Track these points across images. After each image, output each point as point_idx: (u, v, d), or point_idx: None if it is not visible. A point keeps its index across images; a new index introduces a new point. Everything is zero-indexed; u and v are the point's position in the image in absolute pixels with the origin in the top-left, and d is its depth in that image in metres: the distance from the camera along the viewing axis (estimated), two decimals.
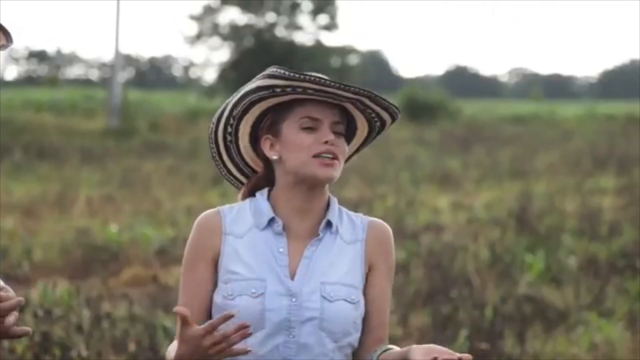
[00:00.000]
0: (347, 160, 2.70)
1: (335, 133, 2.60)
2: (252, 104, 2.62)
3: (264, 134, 2.64)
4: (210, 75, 38.32)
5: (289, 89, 2.56)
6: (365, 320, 2.62)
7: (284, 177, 2.61)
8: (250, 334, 2.40)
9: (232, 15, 37.25)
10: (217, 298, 2.58)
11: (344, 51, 38.69)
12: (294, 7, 36.97)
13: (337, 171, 2.58)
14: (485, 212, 12.19)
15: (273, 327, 2.54)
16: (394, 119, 2.67)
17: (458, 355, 2.41)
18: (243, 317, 2.50)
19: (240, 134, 2.68)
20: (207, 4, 37.55)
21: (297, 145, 2.58)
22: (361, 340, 2.63)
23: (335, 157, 2.58)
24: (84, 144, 21.64)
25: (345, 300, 2.57)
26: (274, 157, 2.62)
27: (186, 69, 40.26)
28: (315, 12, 37.18)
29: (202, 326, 2.39)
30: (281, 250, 2.59)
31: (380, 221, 2.69)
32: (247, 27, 36.75)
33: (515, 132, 28.29)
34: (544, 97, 49.78)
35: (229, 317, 2.39)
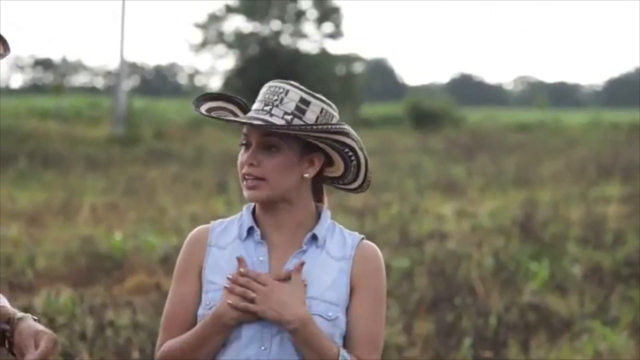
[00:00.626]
0: (351, 172, 2.64)
1: (266, 149, 2.54)
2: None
3: None
4: (215, 83, 38.40)
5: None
6: (349, 341, 2.57)
7: None
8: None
9: (237, 23, 37.34)
10: (200, 309, 2.58)
11: (349, 59, 38.72)
12: (299, 15, 37.02)
13: (260, 192, 2.54)
14: (490, 220, 12.17)
15: (247, 338, 2.53)
16: (343, 134, 2.54)
17: None
18: None
19: None
20: (212, 12, 37.64)
21: (238, 164, 2.61)
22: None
23: (258, 178, 2.54)
24: (89, 151, 21.66)
25: (321, 316, 2.52)
26: None
27: (191, 76, 40.27)
28: (320, 20, 37.23)
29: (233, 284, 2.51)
30: (261, 258, 2.57)
31: (372, 244, 2.64)
32: (252, 35, 36.80)
33: (520, 140, 28.28)
34: (549, 105, 49.80)
35: (290, 275, 2.51)
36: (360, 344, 2.56)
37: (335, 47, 51.94)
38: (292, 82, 2.59)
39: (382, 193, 14.91)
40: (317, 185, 2.67)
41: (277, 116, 2.53)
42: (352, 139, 2.58)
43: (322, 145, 2.58)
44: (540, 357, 6.68)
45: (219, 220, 2.67)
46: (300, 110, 2.53)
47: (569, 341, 7.04)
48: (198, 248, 2.62)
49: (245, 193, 2.56)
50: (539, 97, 52.57)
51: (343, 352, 2.53)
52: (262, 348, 2.53)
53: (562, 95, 78.98)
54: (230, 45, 37.04)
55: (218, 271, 2.58)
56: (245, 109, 2.66)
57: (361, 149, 2.60)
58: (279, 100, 2.55)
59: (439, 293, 8.11)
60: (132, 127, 26.56)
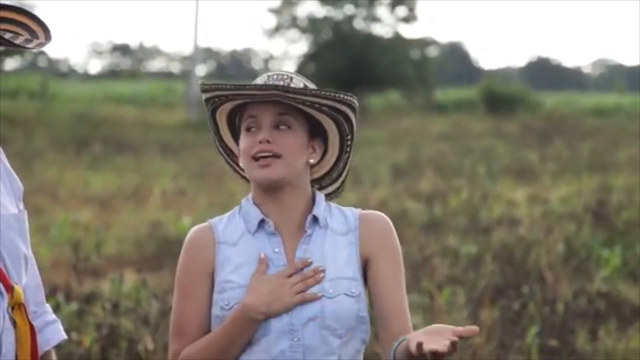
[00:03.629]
0: (339, 167, 2.63)
1: (280, 127, 2.50)
2: (214, 109, 2.59)
3: (238, 130, 2.60)
4: (288, 68, 38.45)
5: (216, 99, 2.54)
6: (378, 315, 2.54)
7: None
8: (323, 278, 2.47)
9: (311, 8, 37.30)
10: (215, 310, 2.52)
11: (424, 43, 38.44)
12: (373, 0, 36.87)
13: (276, 170, 2.48)
14: (562, 206, 11.99)
15: (276, 332, 2.48)
16: (351, 108, 2.53)
17: (462, 328, 2.28)
18: None
19: (221, 132, 2.63)
20: None
21: (242, 150, 2.52)
22: (380, 335, 2.54)
23: (274, 155, 2.48)
24: (163, 137, 21.84)
25: (346, 294, 2.49)
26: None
27: (266, 61, 40.38)
28: (394, 4, 36.99)
29: (286, 268, 2.48)
30: (277, 250, 2.52)
31: (376, 212, 2.60)
32: (326, 19, 36.74)
33: (597, 125, 27.86)
34: (628, 88, 48.95)
35: (309, 263, 2.47)
36: (393, 317, 2.52)
37: (409, 31, 51.76)
38: (291, 72, 2.57)
39: (453, 178, 14.78)
40: None
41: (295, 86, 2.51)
42: (355, 119, 2.56)
43: (330, 125, 2.54)
44: (609, 346, 6.55)
45: (217, 218, 2.59)
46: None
47: (639, 330, 6.89)
48: (204, 248, 2.54)
49: (259, 173, 2.48)
50: (618, 80, 51.72)
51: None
52: (295, 340, 2.48)
53: None
54: (303, 30, 37.04)
55: (233, 269, 2.51)
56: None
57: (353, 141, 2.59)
58: (289, 80, 2.52)
59: (506, 280, 8.01)
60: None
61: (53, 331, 2.66)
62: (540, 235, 9.94)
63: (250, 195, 2.58)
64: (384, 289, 2.53)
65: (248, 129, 2.52)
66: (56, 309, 6.36)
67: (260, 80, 2.54)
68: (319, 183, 2.65)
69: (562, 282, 8.10)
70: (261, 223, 2.53)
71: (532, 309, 7.13)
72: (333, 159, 2.63)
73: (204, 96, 2.56)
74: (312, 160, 2.55)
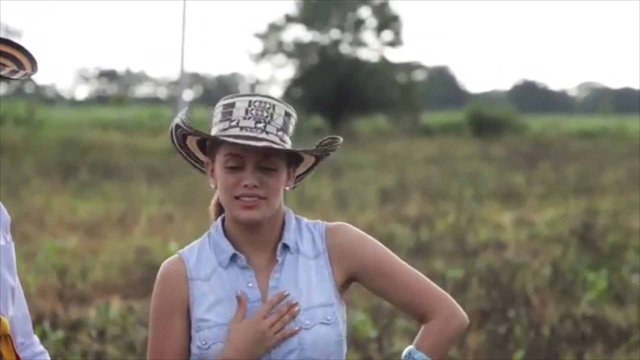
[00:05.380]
0: (300, 178, 2.63)
1: (264, 169, 2.48)
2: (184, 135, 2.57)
3: (207, 152, 2.58)
4: (275, 93, 38.48)
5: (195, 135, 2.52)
6: (404, 308, 2.54)
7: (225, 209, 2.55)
8: (298, 311, 2.45)
9: (297, 33, 37.43)
10: (193, 348, 2.51)
11: (410, 67, 38.59)
12: (359, 24, 36.99)
13: (261, 211, 2.47)
14: (548, 229, 12.02)
15: None
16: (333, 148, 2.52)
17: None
18: None
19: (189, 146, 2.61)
20: (272, 22, 37.78)
21: (221, 185, 2.50)
22: (419, 319, 2.53)
23: (259, 197, 2.47)
24: (150, 162, 21.82)
25: (322, 322, 2.48)
26: (212, 185, 2.57)
27: (252, 86, 40.41)
28: (380, 29, 37.16)
29: (261, 308, 2.45)
30: (250, 285, 2.51)
31: (338, 224, 2.58)
32: (312, 44, 36.86)
33: (583, 147, 27.96)
34: (614, 111, 49.16)
35: (284, 297, 2.46)
36: (415, 301, 2.52)
37: (395, 56, 51.84)
38: (271, 96, 2.55)
39: (439, 202, 14.81)
40: None
41: (272, 133, 2.48)
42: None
43: (310, 157, 2.55)
44: None
45: (187, 248, 2.57)
46: (285, 124, 2.51)
47: (625, 353, 6.90)
48: (177, 283, 2.52)
49: (243, 213, 2.47)
50: (604, 103, 51.91)
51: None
52: None
53: (628, 101, 77.98)
54: (289, 55, 37.15)
55: (208, 307, 2.50)
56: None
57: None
58: (269, 117, 2.49)
59: (492, 304, 8.02)
60: None
61: None
62: (526, 258, 9.96)
63: (219, 224, 2.57)
64: (390, 285, 2.53)
65: (229, 167, 2.49)
66: (42, 336, 6.35)
67: (241, 104, 2.50)
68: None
69: (548, 305, 8.12)
70: (233, 257, 2.52)
71: (518, 333, 7.15)
72: (305, 169, 2.63)
73: (183, 130, 2.53)
74: (287, 188, 2.55)
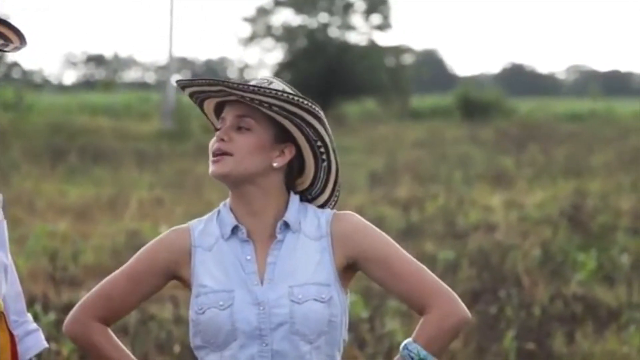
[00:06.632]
0: (320, 177, 2.63)
1: (238, 128, 2.55)
2: (201, 102, 2.66)
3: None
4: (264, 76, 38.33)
5: (194, 96, 2.62)
6: (403, 299, 2.56)
7: None
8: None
9: (285, 17, 37.34)
10: (191, 313, 2.58)
11: (398, 51, 38.53)
12: (347, 8, 36.91)
13: (226, 166, 2.53)
14: (538, 211, 12.07)
15: (245, 337, 2.52)
16: (310, 113, 2.54)
17: None
18: (214, 330, 2.53)
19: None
20: (260, 5, 37.72)
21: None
22: (418, 312, 2.55)
23: (225, 153, 2.54)
24: (139, 146, 21.79)
25: (315, 299, 2.51)
26: None
27: (241, 70, 40.33)
28: (369, 12, 37.09)
29: None
30: (248, 257, 2.56)
31: (346, 212, 2.61)
32: (300, 28, 36.78)
33: (572, 130, 28.01)
34: (602, 94, 49.22)
35: None
36: (415, 295, 2.53)
37: (383, 39, 51.78)
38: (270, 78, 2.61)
39: (429, 185, 14.84)
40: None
41: (252, 86, 2.54)
42: (324, 128, 2.57)
43: (293, 129, 2.56)
44: (586, 349, 6.60)
45: (196, 220, 2.65)
46: (283, 89, 2.56)
47: (615, 332, 6.95)
48: (175, 252, 2.60)
49: (210, 168, 2.56)
50: (592, 86, 52.00)
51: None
52: (264, 345, 2.52)
53: (616, 84, 78.10)
54: (278, 39, 37.07)
55: (207, 274, 2.56)
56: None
57: (334, 150, 2.60)
58: (267, 83, 2.56)
59: (483, 285, 8.06)
60: (181, 121, 26.64)
61: (34, 340, 2.67)
62: (516, 240, 10.00)
63: (228, 200, 2.62)
64: (390, 276, 2.55)
65: (217, 129, 2.59)
66: (35, 319, 6.33)
67: None
68: (308, 194, 2.65)
69: (539, 286, 8.16)
70: (234, 229, 2.57)
71: (509, 313, 7.18)
72: (312, 169, 2.64)
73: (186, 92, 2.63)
74: (275, 164, 2.57)
